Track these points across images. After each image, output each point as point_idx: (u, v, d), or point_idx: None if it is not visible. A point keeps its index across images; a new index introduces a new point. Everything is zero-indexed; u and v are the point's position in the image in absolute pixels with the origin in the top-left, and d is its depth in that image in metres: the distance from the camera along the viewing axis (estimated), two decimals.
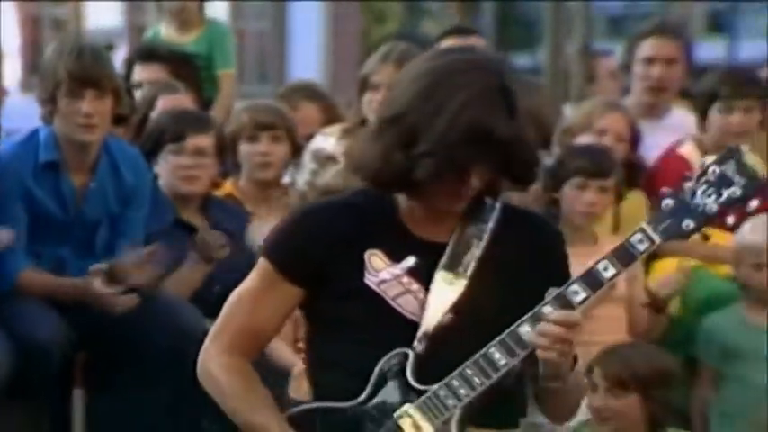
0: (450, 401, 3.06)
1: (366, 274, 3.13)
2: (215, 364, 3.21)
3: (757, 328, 5.71)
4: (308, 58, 18.97)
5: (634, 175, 6.04)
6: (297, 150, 5.88)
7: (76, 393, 5.31)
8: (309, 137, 6.07)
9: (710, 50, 17.69)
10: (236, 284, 5.39)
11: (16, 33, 19.04)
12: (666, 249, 6.00)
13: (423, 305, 3.11)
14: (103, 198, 5.30)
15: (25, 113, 5.45)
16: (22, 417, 4.96)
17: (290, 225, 3.22)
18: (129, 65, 6.56)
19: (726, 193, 3.09)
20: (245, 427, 3.17)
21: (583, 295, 3.06)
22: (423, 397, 3.07)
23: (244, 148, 5.81)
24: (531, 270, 3.14)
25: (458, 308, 3.11)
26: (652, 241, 3.09)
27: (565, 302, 3.04)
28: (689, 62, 6.52)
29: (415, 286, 3.13)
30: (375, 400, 3.10)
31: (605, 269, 3.08)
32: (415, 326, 3.11)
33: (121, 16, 21.94)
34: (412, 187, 3.11)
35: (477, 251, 3.13)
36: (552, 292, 3.05)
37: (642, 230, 3.09)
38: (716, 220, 3.10)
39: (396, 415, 3.08)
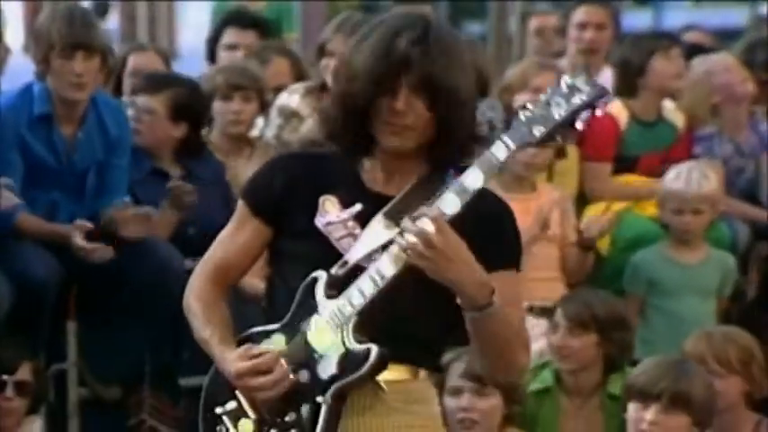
0: (348, 309, 3.03)
1: (317, 216, 3.12)
2: (193, 291, 3.21)
3: (678, 264, 5.74)
4: None
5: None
6: (264, 107, 5.86)
7: (70, 326, 5.28)
8: (280, 88, 6.04)
9: (638, 20, 17.73)
10: (209, 227, 5.44)
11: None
12: (596, 194, 6.04)
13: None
14: (91, 147, 5.27)
15: (27, 73, 5.36)
16: (21, 348, 4.91)
17: (263, 168, 3.24)
18: (220, 28, 6.48)
19: (573, 101, 3.00)
20: (199, 342, 3.18)
21: (456, 202, 2.98)
22: (327, 309, 3.06)
23: (217, 106, 5.76)
24: (470, 234, 3.01)
25: (386, 249, 3.04)
26: (509, 148, 2.99)
27: (437, 212, 2.98)
28: (617, 28, 6.56)
29: (358, 231, 3.09)
30: (295, 317, 3.09)
31: (473, 180, 2.98)
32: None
33: None
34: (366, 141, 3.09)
35: (420, 207, 3.05)
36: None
37: (501, 139, 3.01)
38: (566, 127, 3.01)
39: (304, 327, 3.08)
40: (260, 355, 3.05)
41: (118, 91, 5.87)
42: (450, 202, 2.98)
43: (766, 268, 6.31)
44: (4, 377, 4.76)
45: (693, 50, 6.75)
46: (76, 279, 5.20)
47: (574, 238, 5.67)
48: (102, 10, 21.06)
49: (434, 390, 3.20)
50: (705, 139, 6.30)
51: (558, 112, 3.00)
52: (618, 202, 6.01)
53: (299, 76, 6.29)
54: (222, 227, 5.76)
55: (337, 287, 3.06)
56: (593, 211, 5.96)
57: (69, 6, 5.33)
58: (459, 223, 3.01)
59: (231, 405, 3.12)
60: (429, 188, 3.07)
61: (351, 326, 3.04)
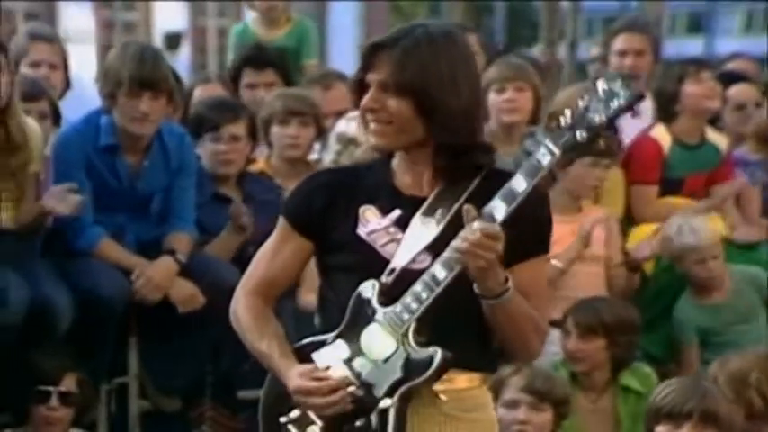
0: (405, 315, 3.04)
1: (359, 226, 3.15)
2: (240, 305, 3.23)
3: (711, 308, 5.70)
4: (344, 55, 18.98)
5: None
6: (321, 132, 5.91)
7: (132, 340, 5.34)
8: (341, 113, 6.08)
9: (690, 47, 17.76)
10: None
11: (93, 34, 19.15)
12: (643, 216, 6.06)
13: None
14: (155, 175, 5.31)
15: (97, 103, 5.39)
16: (66, 359, 4.95)
17: (301, 185, 3.28)
18: (239, 69, 6.44)
19: (612, 106, 3.04)
20: (255, 354, 3.20)
21: (503, 209, 3.01)
22: (384, 316, 3.07)
23: (276, 131, 5.82)
24: (505, 224, 3.04)
25: (430, 250, 3.06)
26: (553, 154, 3.04)
27: (488, 217, 3.01)
28: (656, 54, 6.57)
29: (400, 235, 3.12)
30: (351, 325, 3.11)
31: (518, 185, 3.03)
32: None
33: (185, 19, 22.01)
34: None
35: (456, 202, 3.10)
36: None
37: (545, 146, 3.04)
38: (606, 129, 3.06)
39: (362, 333, 3.10)
40: (324, 378, 3.06)
41: (185, 120, 5.96)
42: (498, 208, 3.01)
43: None
44: (49, 387, 4.82)
45: (734, 78, 6.75)
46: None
47: (619, 258, 5.69)
48: (174, 42, 21.39)
49: (490, 394, 3.21)
50: (746, 164, 6.30)
51: (599, 116, 3.04)
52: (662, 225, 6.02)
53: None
54: None
55: (388, 294, 3.07)
56: (641, 233, 5.97)
57: (141, 46, 5.35)
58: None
59: (295, 413, 3.13)
60: (460, 185, 3.11)
61: (411, 330, 3.05)
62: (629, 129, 6.29)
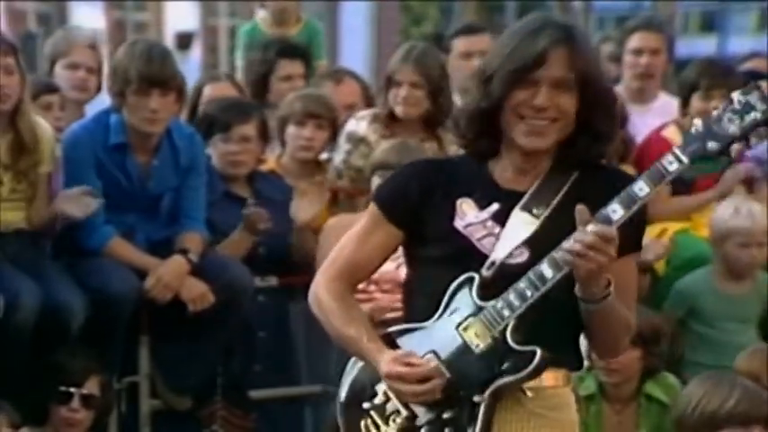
0: (506, 312, 3.02)
1: (456, 219, 3.10)
2: (322, 288, 3.18)
3: (724, 295, 5.67)
4: (355, 55, 19.01)
5: (624, 150, 6.06)
6: (336, 135, 5.90)
7: (143, 339, 5.34)
8: (351, 106, 6.09)
9: (703, 46, 17.73)
10: (278, 247, 5.55)
11: (104, 35, 19.16)
12: (654, 215, 6.04)
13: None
14: (165, 174, 5.30)
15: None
16: (90, 361, 4.95)
17: (397, 175, 3.26)
18: (273, 61, 6.43)
19: (748, 118, 2.96)
20: (340, 340, 3.15)
21: (620, 213, 2.94)
22: (483, 310, 3.05)
23: (291, 131, 5.82)
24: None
25: (529, 244, 3.05)
26: (681, 162, 2.98)
27: (604, 220, 2.94)
28: (671, 54, 6.57)
29: (497, 229, 3.08)
30: (444, 317, 3.09)
31: (640, 189, 2.96)
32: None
33: (197, 19, 22.05)
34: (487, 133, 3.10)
35: (555, 197, 3.07)
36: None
37: (673, 153, 3.00)
38: (739, 142, 2.98)
39: (458, 326, 3.07)
40: (417, 364, 3.04)
41: (193, 119, 5.93)
42: (616, 211, 2.96)
43: None
44: (71, 389, 4.82)
45: (752, 77, 6.74)
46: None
47: None
48: (185, 42, 21.41)
49: (573, 395, 3.18)
50: (761, 161, 6.29)
51: (732, 128, 2.98)
52: (674, 224, 6.02)
53: (368, 101, 6.36)
54: (289, 246, 5.84)
55: (488, 288, 3.05)
56: (652, 232, 5.96)
57: (149, 44, 5.35)
58: (591, 198, 2.99)
59: (379, 399, 3.12)
60: (560, 179, 3.08)
61: (510, 328, 3.03)
62: (641, 127, 6.32)
